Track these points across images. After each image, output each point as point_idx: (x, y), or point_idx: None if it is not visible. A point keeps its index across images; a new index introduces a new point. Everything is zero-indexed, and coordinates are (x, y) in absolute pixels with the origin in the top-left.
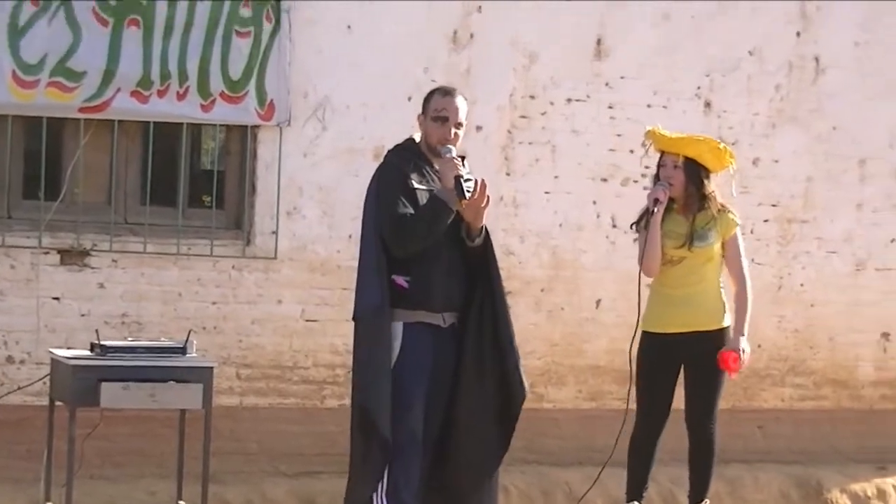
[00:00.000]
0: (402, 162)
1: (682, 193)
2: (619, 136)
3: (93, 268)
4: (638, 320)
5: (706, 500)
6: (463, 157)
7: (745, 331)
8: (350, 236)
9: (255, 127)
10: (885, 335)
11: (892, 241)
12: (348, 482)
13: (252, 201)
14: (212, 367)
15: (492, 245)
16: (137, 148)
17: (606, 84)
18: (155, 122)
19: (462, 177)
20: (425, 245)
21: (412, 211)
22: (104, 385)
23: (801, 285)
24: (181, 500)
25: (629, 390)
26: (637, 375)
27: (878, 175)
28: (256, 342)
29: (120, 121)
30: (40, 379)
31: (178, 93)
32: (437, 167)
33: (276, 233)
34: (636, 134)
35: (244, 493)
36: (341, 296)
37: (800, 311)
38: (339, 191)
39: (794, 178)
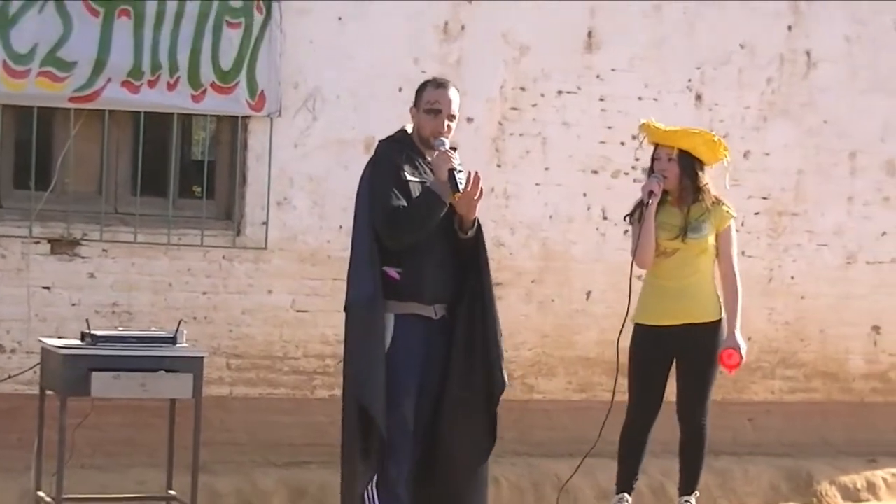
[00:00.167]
0: (395, 153)
1: (677, 186)
2: (609, 128)
3: (83, 257)
4: (627, 312)
5: (696, 492)
6: (454, 149)
7: (739, 326)
8: (340, 227)
9: (246, 117)
10: (876, 328)
11: (883, 234)
12: (344, 477)
13: (242, 192)
14: (202, 357)
15: (483, 238)
16: (128, 138)
17: (597, 76)
18: (146, 113)
19: (455, 169)
20: (418, 237)
21: (405, 203)
22: (95, 374)
23: (792, 278)
24: (171, 489)
25: (615, 382)
26: (629, 367)
27: (868, 168)
28: (247, 332)
29: (111, 111)
30: (31, 368)
31: (168, 83)
32: (429, 159)
33: (266, 223)
34: (627, 126)
35: (234, 482)
36: (332, 286)
37: (790, 304)
38: (330, 181)
39: (785, 171)
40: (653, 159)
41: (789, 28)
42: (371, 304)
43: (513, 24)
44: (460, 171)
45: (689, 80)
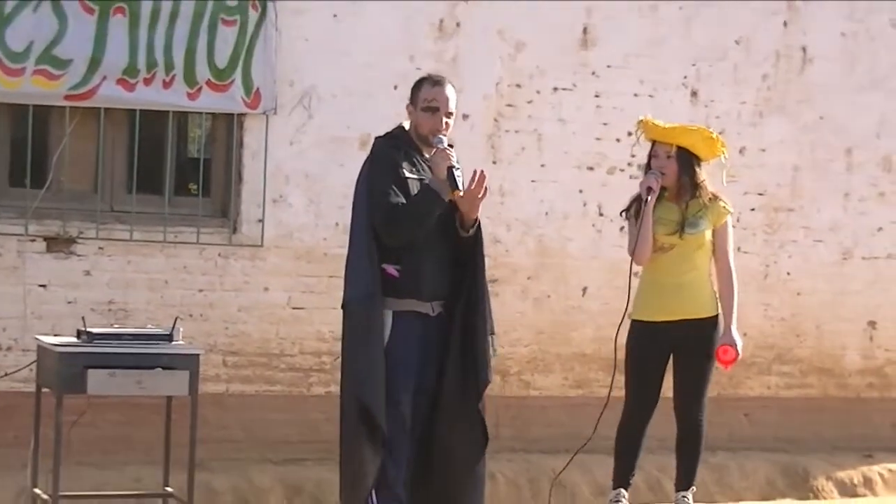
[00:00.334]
0: (393, 151)
1: (675, 183)
2: (605, 125)
3: (79, 255)
4: (626, 308)
5: (693, 487)
6: (451, 146)
7: (735, 322)
8: (336, 224)
9: (242, 115)
10: (872, 324)
11: (879, 230)
12: (346, 477)
13: (238, 189)
14: (198, 355)
15: (482, 236)
16: (124, 136)
17: (593, 73)
18: (141, 110)
19: (454, 167)
20: (417, 235)
21: (404, 200)
22: (91, 372)
23: (788, 274)
24: (168, 486)
25: (612, 378)
26: (626, 363)
27: (864, 164)
28: (243, 330)
29: (106, 109)
30: (27, 366)
31: (164, 81)
32: (427, 156)
33: (262, 221)
34: (623, 123)
35: (230, 480)
36: (328, 283)
37: (786, 300)
38: (326, 179)
39: (781, 167)
40: (650, 156)
41: (785, 24)
42: (370, 302)
43: (508, 21)
44: (459, 168)
45: (685, 77)
